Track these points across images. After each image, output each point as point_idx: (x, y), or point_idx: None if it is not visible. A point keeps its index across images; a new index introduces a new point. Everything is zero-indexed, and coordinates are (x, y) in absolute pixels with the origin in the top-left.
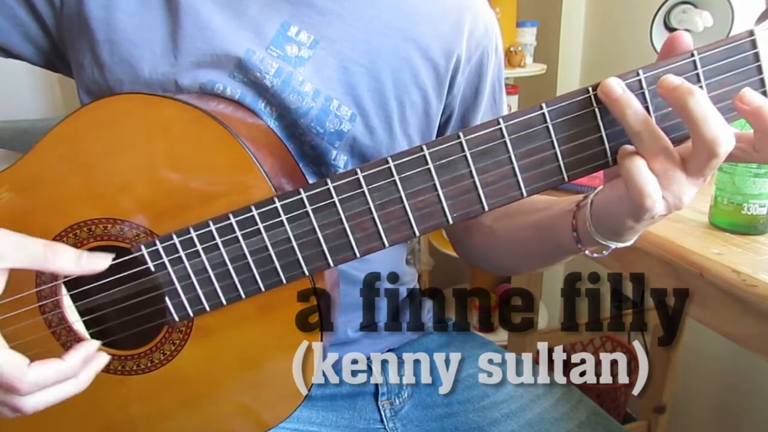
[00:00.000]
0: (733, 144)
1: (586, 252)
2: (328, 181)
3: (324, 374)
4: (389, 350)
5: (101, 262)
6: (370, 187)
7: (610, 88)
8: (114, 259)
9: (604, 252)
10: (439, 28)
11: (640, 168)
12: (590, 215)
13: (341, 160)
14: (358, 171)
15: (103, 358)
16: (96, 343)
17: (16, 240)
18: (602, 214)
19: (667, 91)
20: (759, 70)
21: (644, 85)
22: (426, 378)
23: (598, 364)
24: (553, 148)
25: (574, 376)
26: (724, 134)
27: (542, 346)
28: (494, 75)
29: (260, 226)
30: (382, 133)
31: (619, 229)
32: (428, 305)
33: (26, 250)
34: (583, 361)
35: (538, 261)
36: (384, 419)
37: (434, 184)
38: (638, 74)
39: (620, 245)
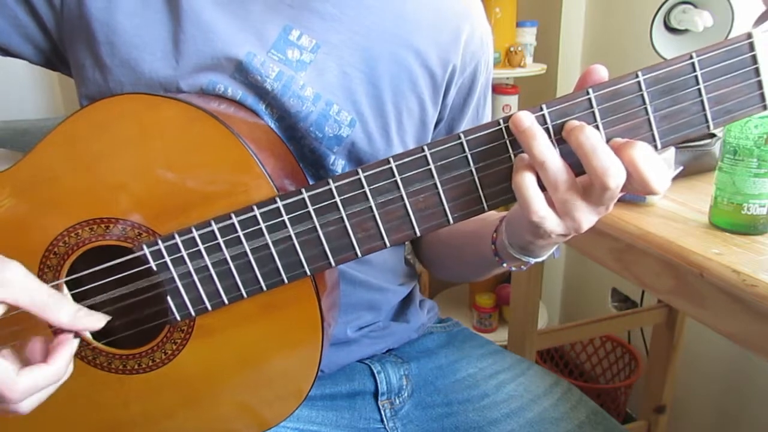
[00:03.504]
0: (622, 177)
1: (504, 265)
2: (330, 181)
3: (324, 373)
4: (389, 350)
5: (97, 321)
6: (371, 187)
7: (519, 121)
8: (115, 259)
9: (522, 267)
10: (437, 37)
11: (527, 184)
12: (505, 230)
13: (339, 164)
14: (360, 171)
15: (74, 343)
16: (76, 341)
17: (27, 280)
18: (511, 228)
19: (566, 132)
20: (757, 72)
21: (643, 86)
22: (426, 378)
23: (598, 364)
24: (555, 148)
25: (574, 376)
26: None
27: (542, 347)
28: (482, 88)
29: (262, 225)
30: (380, 139)
31: (524, 244)
32: (428, 305)
33: (30, 293)
34: (583, 361)
35: (473, 269)
36: (384, 419)
37: (435, 184)
38: (637, 76)
39: (534, 260)
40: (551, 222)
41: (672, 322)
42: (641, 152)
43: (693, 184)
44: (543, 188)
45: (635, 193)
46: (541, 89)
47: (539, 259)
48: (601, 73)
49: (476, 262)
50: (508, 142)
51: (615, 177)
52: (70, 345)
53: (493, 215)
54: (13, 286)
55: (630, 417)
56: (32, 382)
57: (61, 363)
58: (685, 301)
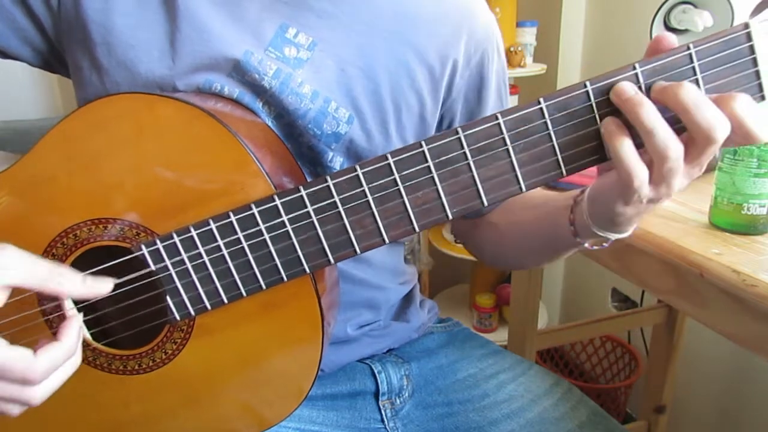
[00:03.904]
0: (728, 129)
1: (586, 245)
2: (328, 179)
3: (324, 373)
4: (389, 350)
5: (104, 285)
6: (370, 184)
7: (622, 88)
8: (114, 259)
9: (604, 244)
10: (437, 32)
11: (629, 151)
12: (587, 207)
13: (337, 161)
14: (358, 168)
15: (79, 319)
16: (79, 315)
17: (25, 259)
18: (596, 201)
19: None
20: (754, 62)
21: (641, 79)
22: (426, 378)
23: (598, 364)
24: (551, 142)
25: (574, 376)
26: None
27: (542, 346)
28: (498, 76)
29: (261, 224)
30: (378, 136)
31: (612, 216)
32: (428, 305)
33: (33, 271)
34: (583, 361)
35: (542, 255)
36: (384, 419)
37: (433, 180)
38: (635, 68)
39: (617, 236)
40: (647, 188)
41: (672, 322)
42: (744, 103)
43: (693, 184)
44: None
45: (735, 145)
46: (541, 89)
47: (622, 235)
48: (671, 40)
49: (546, 249)
50: (507, 136)
51: (722, 129)
52: (76, 319)
53: (550, 195)
54: (14, 268)
55: (630, 417)
56: (50, 359)
57: (72, 337)
58: (685, 301)
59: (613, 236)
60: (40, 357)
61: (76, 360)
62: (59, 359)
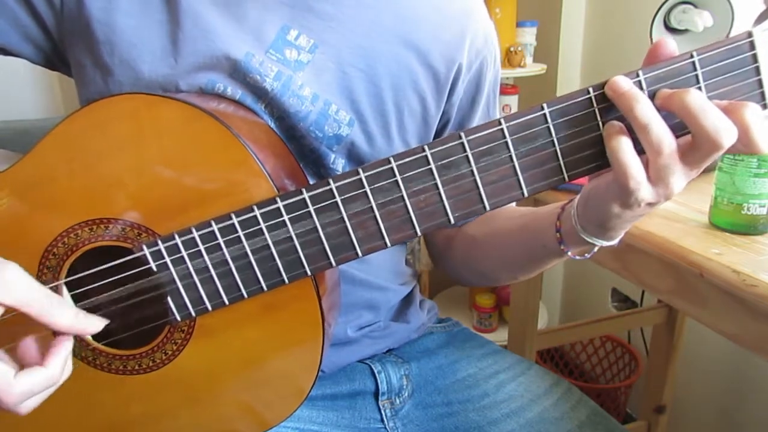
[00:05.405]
0: (735, 135)
1: (569, 254)
2: (331, 181)
3: (325, 374)
4: (389, 350)
5: (96, 324)
6: (372, 187)
7: (617, 83)
8: (115, 259)
9: (586, 255)
10: (440, 35)
11: (625, 149)
12: (576, 212)
13: (339, 163)
14: (360, 171)
15: (69, 345)
16: (71, 340)
17: (26, 282)
18: (590, 203)
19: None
20: (757, 71)
21: (644, 86)
22: (426, 378)
23: (598, 364)
24: (554, 148)
25: (574, 376)
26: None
27: (542, 347)
28: (491, 85)
29: (262, 225)
30: (380, 138)
31: (605, 219)
32: (428, 305)
33: (30, 295)
34: (583, 361)
35: (520, 267)
36: (384, 419)
37: (436, 184)
38: (638, 75)
39: (605, 243)
40: (645, 189)
41: (672, 322)
42: (754, 113)
43: (693, 184)
44: None
45: (737, 152)
46: (541, 89)
47: (608, 243)
48: (671, 46)
49: (527, 259)
50: (509, 141)
51: (729, 136)
52: (66, 347)
53: (533, 209)
54: (13, 288)
55: (630, 417)
56: (29, 385)
57: (57, 365)
58: (685, 301)
59: (600, 243)
60: (19, 381)
61: (61, 380)
62: (39, 386)
